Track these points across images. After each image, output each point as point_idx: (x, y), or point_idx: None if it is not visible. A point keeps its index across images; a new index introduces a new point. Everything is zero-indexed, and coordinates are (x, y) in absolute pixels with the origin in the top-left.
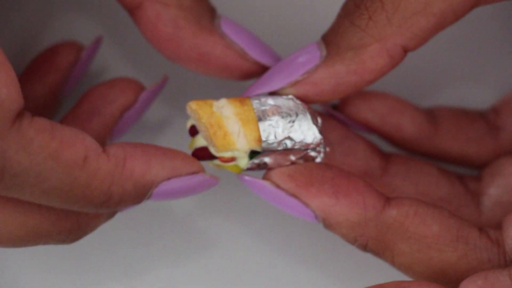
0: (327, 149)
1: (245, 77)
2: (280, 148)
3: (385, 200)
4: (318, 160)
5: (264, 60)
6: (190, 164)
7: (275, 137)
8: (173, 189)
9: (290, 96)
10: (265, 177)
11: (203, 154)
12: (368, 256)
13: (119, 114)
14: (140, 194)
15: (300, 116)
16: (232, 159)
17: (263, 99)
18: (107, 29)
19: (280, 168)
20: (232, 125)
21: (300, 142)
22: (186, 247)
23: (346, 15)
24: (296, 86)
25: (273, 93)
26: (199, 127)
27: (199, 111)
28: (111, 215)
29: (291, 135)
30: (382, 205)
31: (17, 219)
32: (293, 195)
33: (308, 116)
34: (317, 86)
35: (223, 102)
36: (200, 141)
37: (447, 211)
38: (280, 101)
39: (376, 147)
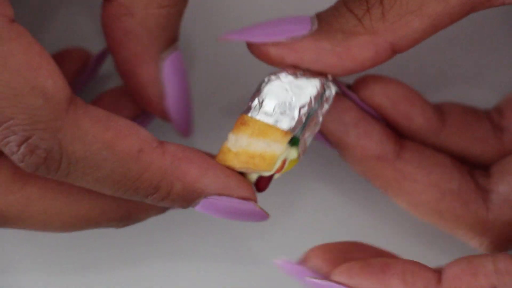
0: (329, 77)
1: (156, 113)
2: (305, 121)
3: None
4: (333, 92)
5: (173, 113)
6: (245, 188)
7: (293, 118)
8: (220, 207)
9: (269, 78)
10: (330, 278)
11: (264, 183)
12: None
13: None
14: (187, 198)
15: (293, 86)
16: (284, 161)
17: (254, 105)
18: None
19: (345, 266)
20: (258, 145)
21: (311, 101)
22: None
23: (346, 2)
24: (277, 46)
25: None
26: (237, 170)
27: (226, 163)
28: (161, 210)
29: (301, 104)
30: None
31: (69, 208)
32: None
33: (298, 79)
34: (296, 53)
35: (232, 137)
36: (251, 176)
37: None
38: (268, 91)
39: (391, 131)
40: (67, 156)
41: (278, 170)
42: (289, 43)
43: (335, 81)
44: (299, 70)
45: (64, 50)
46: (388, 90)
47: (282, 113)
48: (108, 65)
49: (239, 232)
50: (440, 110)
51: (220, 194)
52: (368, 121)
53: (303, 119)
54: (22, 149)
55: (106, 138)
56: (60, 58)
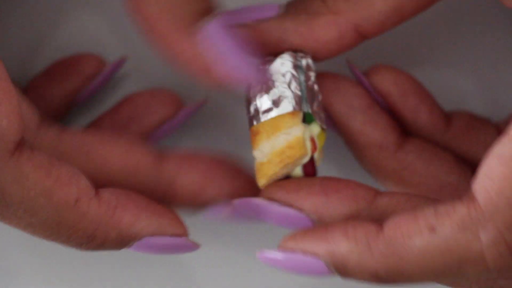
0: (302, 53)
1: (212, 86)
2: (302, 93)
3: (376, 191)
4: (309, 59)
5: (236, 74)
6: (176, 226)
7: (291, 97)
8: (154, 245)
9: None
10: (260, 195)
11: (310, 168)
12: None
13: (158, 125)
14: (121, 243)
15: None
16: (312, 139)
17: (252, 114)
18: (129, 44)
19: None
20: (280, 140)
21: (292, 74)
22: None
23: None
24: (243, 28)
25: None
26: (283, 175)
27: (268, 175)
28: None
29: (287, 81)
30: (373, 195)
31: None
32: (286, 203)
33: (269, 67)
34: (261, 34)
35: (256, 153)
36: (296, 171)
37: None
38: (254, 93)
39: (397, 124)
40: (4, 198)
41: (314, 150)
42: (255, 25)
43: (350, 66)
44: (265, 62)
45: (77, 55)
46: (398, 80)
47: (278, 100)
48: (118, 74)
49: (242, 231)
50: (448, 113)
51: (153, 235)
52: (376, 110)
53: (299, 92)
54: None
55: (45, 185)
56: (77, 60)
